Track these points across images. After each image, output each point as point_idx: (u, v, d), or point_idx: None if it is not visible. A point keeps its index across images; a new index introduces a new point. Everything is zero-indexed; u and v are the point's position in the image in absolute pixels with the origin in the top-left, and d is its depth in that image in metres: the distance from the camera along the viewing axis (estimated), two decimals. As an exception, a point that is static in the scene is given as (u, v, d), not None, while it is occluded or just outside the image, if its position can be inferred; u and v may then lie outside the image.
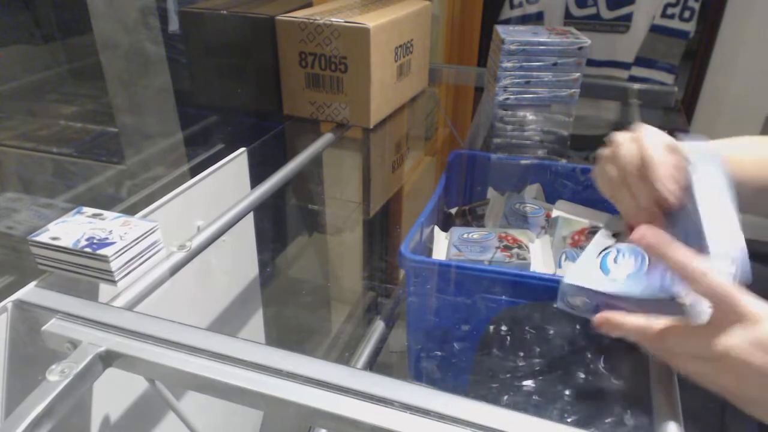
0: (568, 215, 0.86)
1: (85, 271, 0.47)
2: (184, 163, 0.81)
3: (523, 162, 0.97)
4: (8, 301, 0.45)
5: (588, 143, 1.28)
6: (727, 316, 0.38)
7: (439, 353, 0.76)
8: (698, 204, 0.44)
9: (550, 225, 0.86)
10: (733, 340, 0.37)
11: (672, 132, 0.52)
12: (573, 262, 0.79)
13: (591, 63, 1.01)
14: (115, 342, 0.42)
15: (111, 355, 0.41)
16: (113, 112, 0.75)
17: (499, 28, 0.96)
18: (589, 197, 0.91)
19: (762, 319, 0.37)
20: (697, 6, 1.60)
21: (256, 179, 0.73)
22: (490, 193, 0.98)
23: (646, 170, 0.48)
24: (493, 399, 0.66)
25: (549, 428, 0.35)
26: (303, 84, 0.86)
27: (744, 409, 0.39)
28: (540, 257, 0.79)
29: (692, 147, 0.48)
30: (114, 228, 0.49)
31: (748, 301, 0.38)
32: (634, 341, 0.43)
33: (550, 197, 0.94)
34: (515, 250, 0.75)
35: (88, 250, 0.46)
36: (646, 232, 0.41)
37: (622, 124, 0.97)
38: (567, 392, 0.63)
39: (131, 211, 0.54)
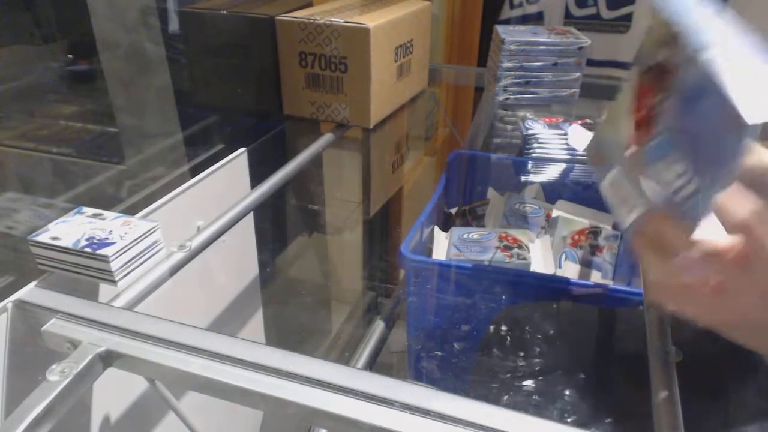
0: (568, 215, 0.86)
1: (85, 271, 0.47)
2: (184, 163, 0.82)
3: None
4: (8, 301, 0.45)
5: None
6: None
7: (439, 353, 0.76)
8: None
9: (550, 225, 0.86)
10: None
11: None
12: (573, 262, 0.79)
13: (591, 63, 1.01)
14: (115, 342, 0.42)
15: (111, 355, 0.41)
16: (113, 112, 0.75)
17: (499, 28, 0.96)
18: (589, 197, 0.91)
19: None
20: (697, 6, 1.60)
21: (256, 179, 0.73)
22: (490, 193, 0.98)
23: None
24: (493, 399, 0.66)
25: (549, 428, 0.35)
26: (303, 84, 0.86)
27: (739, 339, 0.37)
28: (540, 257, 0.79)
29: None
30: (114, 228, 0.49)
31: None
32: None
33: (550, 197, 0.94)
34: (515, 250, 0.75)
35: (88, 250, 0.46)
36: None
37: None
38: (567, 392, 0.62)
39: (131, 211, 0.54)
